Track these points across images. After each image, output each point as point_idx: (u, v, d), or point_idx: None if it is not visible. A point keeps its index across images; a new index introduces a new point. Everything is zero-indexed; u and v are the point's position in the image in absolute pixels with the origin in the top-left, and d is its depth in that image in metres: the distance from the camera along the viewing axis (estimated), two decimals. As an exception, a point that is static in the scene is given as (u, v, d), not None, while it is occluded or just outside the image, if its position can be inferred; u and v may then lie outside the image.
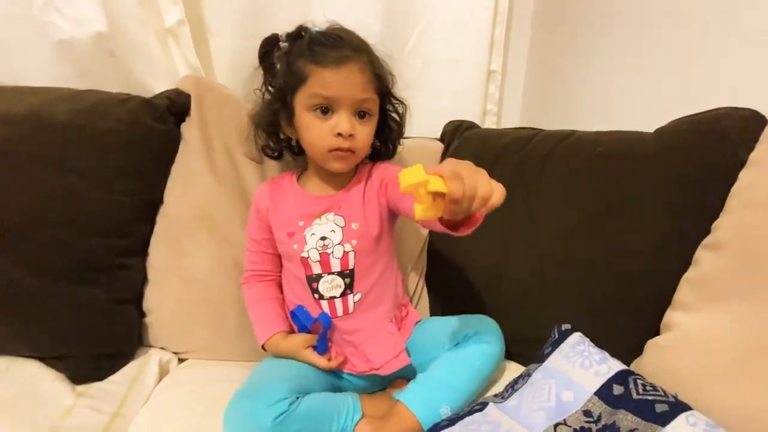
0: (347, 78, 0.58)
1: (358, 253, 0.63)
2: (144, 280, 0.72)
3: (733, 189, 0.54)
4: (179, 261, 0.71)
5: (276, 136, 0.68)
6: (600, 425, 0.42)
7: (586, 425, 0.43)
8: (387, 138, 0.70)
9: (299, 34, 0.62)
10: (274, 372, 0.58)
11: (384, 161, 0.71)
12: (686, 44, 0.74)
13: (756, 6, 0.63)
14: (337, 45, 0.59)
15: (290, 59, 0.61)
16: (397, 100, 0.68)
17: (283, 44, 0.64)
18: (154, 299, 0.72)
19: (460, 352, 0.60)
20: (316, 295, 0.63)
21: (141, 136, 0.71)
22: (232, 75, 0.92)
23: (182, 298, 0.71)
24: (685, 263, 0.59)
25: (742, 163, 0.57)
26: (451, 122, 0.96)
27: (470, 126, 0.94)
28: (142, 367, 0.67)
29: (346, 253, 0.62)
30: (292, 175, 0.70)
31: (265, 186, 0.69)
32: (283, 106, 0.62)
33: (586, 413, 0.44)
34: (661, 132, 0.68)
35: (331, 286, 0.62)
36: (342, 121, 0.59)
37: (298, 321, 0.61)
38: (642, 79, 0.83)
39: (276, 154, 0.71)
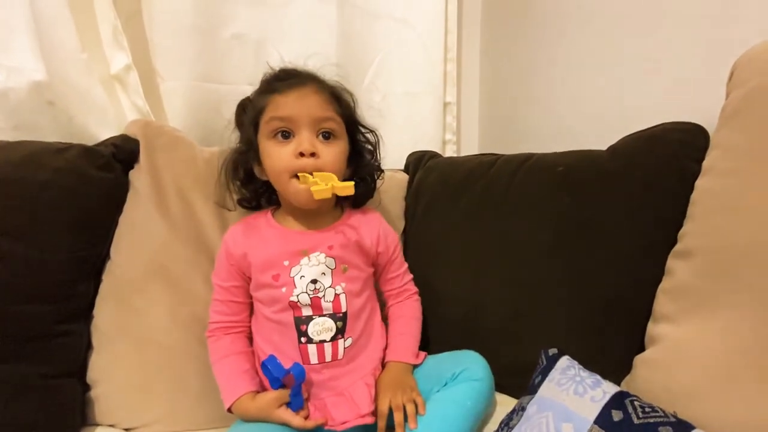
0: (302, 98, 0.58)
1: (348, 296, 0.60)
2: (88, 347, 0.64)
3: (693, 197, 0.56)
4: (130, 321, 0.64)
5: (251, 184, 0.66)
6: (606, 458, 0.39)
7: (592, 459, 0.40)
8: (363, 170, 0.67)
9: (262, 82, 0.64)
10: None
11: (373, 208, 0.72)
12: (628, 63, 0.79)
13: (685, 24, 0.68)
14: (291, 74, 0.61)
15: (250, 101, 0.63)
16: (366, 128, 0.67)
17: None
18: (100, 368, 0.63)
19: (451, 392, 0.56)
20: (303, 339, 0.58)
21: (82, 187, 0.64)
22: (185, 118, 0.89)
23: (134, 364, 0.63)
24: (658, 274, 0.59)
25: (693, 173, 0.59)
26: (413, 153, 0.98)
27: (433, 155, 0.96)
28: (86, 453, 0.58)
29: (337, 296, 0.60)
30: (266, 213, 0.66)
31: (237, 227, 0.65)
32: (250, 147, 0.62)
33: (590, 445, 0.41)
34: (614, 149, 0.71)
35: (323, 329, 0.58)
36: (302, 140, 0.57)
37: (269, 373, 0.55)
38: (588, 99, 0.88)
39: (254, 204, 0.68)
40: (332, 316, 0.59)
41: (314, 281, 0.59)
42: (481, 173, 0.80)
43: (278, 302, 0.59)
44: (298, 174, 0.57)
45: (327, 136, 0.60)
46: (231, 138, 0.68)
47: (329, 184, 0.54)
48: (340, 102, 0.62)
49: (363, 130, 0.67)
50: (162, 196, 0.69)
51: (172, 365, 0.64)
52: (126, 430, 0.63)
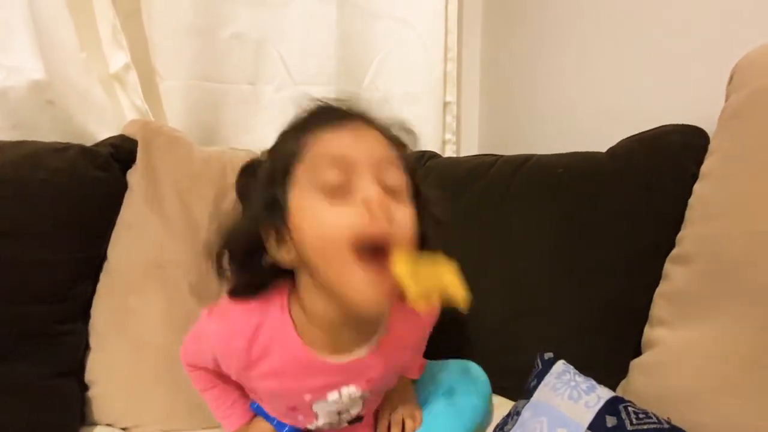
0: (358, 133, 0.39)
1: (368, 403, 0.49)
2: (87, 347, 0.64)
3: (691, 201, 0.56)
4: (126, 322, 0.64)
5: (257, 266, 0.42)
6: (599, 464, 0.39)
7: (585, 465, 0.40)
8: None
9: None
10: None
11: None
12: (628, 65, 0.79)
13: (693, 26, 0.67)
14: (332, 108, 0.42)
15: (272, 154, 0.42)
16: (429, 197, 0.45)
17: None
18: (97, 368, 0.63)
19: (448, 404, 0.55)
20: (312, 428, 0.50)
21: (80, 186, 0.64)
22: (184, 118, 0.90)
23: (131, 364, 0.63)
24: (657, 277, 0.59)
25: (692, 176, 0.59)
26: (413, 152, 0.97)
27: (432, 155, 0.96)
28: (85, 452, 0.58)
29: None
30: (283, 309, 0.43)
31: (231, 328, 0.43)
32: (270, 213, 0.39)
33: (583, 451, 0.41)
34: (613, 151, 0.70)
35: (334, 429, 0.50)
36: (366, 185, 0.37)
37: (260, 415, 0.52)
38: (588, 101, 0.88)
39: (257, 291, 0.43)
40: (349, 422, 0.50)
41: (340, 413, 0.47)
42: (481, 174, 0.80)
43: (290, 420, 0.49)
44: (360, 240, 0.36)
45: (393, 191, 0.39)
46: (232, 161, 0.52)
47: (438, 283, 0.34)
48: (405, 160, 0.42)
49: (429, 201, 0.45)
50: (159, 197, 0.69)
51: (168, 366, 0.63)
52: (123, 429, 0.63)
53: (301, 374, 0.43)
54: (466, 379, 0.57)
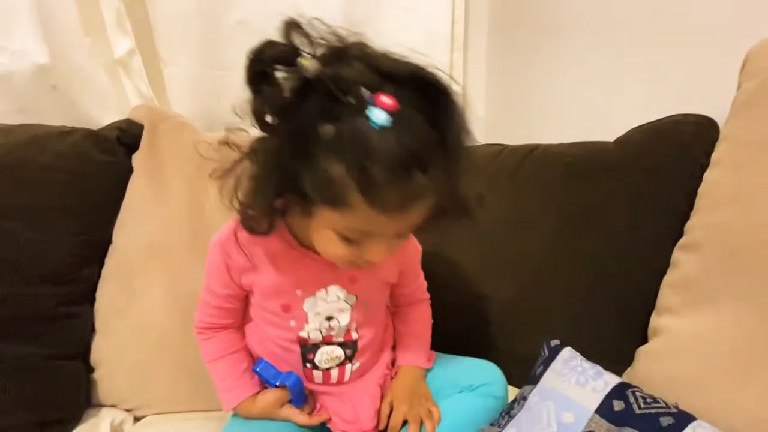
0: (405, 220, 0.39)
1: (361, 326, 0.54)
2: (92, 329, 0.64)
3: (701, 189, 0.55)
4: (130, 304, 0.64)
5: (270, 209, 0.43)
6: (607, 447, 0.39)
7: (592, 448, 0.40)
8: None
9: (341, 94, 0.34)
10: None
11: None
12: (637, 55, 0.78)
13: (705, 18, 0.66)
14: (408, 171, 0.35)
15: (317, 143, 0.35)
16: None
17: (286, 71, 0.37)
18: (103, 350, 0.64)
19: (465, 403, 0.54)
20: (309, 365, 0.53)
21: (86, 170, 0.65)
22: (189, 104, 0.89)
23: (135, 346, 0.63)
24: (664, 266, 0.59)
25: (701, 166, 0.59)
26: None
27: (438, 145, 0.95)
28: (91, 432, 0.59)
29: (349, 330, 0.53)
30: (280, 222, 0.47)
31: (241, 234, 0.47)
32: (293, 193, 0.40)
33: (590, 435, 0.41)
34: (621, 141, 0.70)
35: (330, 357, 0.53)
36: (377, 250, 0.41)
37: (264, 379, 0.53)
38: (597, 90, 0.87)
39: (267, 229, 0.45)
40: (342, 345, 0.53)
41: (329, 318, 0.51)
42: (487, 163, 0.79)
43: (284, 331, 0.52)
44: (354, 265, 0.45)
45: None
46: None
47: None
48: (452, 200, 0.43)
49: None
50: (163, 181, 0.69)
51: (172, 348, 0.64)
52: (128, 410, 0.64)
53: (293, 265, 0.48)
54: (483, 379, 0.55)
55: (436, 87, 0.37)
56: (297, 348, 0.53)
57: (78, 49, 0.79)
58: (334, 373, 0.55)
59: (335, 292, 0.51)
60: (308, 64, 0.36)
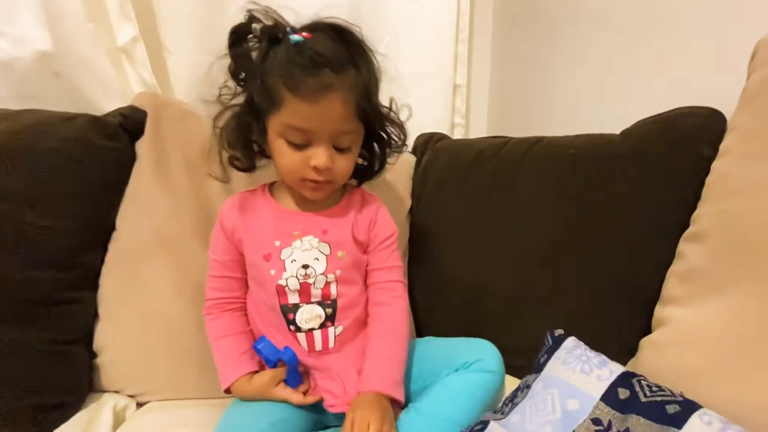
0: (327, 111, 0.51)
1: (340, 283, 0.57)
2: (95, 315, 0.64)
3: (709, 179, 0.55)
4: (134, 291, 0.64)
5: (247, 145, 0.59)
6: (612, 433, 0.39)
7: (597, 435, 0.40)
8: (374, 157, 0.64)
9: (276, 37, 0.52)
10: (247, 423, 0.51)
11: (376, 196, 0.65)
12: (643, 48, 0.77)
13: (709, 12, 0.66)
14: (319, 67, 0.49)
15: (264, 70, 0.52)
16: (388, 120, 0.60)
17: (258, 38, 0.54)
18: (106, 336, 0.64)
19: (461, 379, 0.54)
20: (292, 327, 0.56)
21: (88, 155, 0.64)
22: (192, 92, 0.88)
23: (138, 333, 0.63)
24: (668, 257, 0.58)
25: (707, 158, 0.59)
26: (422, 135, 0.96)
27: (441, 137, 0.95)
28: (93, 417, 0.59)
29: (328, 283, 0.56)
30: (264, 187, 0.62)
31: (233, 199, 0.61)
32: (255, 121, 0.55)
33: (595, 421, 0.41)
34: (627, 133, 0.69)
35: (311, 316, 0.56)
36: (319, 153, 0.52)
37: (263, 356, 0.54)
38: (603, 83, 0.86)
39: (248, 164, 0.60)
40: (321, 304, 0.56)
41: (305, 266, 0.55)
42: (491, 155, 0.79)
43: (266, 285, 0.56)
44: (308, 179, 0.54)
45: (342, 148, 0.55)
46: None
47: None
48: (368, 105, 0.54)
49: (386, 125, 0.60)
50: (167, 167, 0.69)
51: (176, 335, 0.64)
52: (131, 396, 0.64)
53: (274, 219, 0.58)
54: (478, 355, 0.56)
55: (348, 31, 0.53)
56: (277, 305, 0.56)
57: (81, 35, 0.79)
58: (318, 337, 0.56)
59: (309, 240, 0.57)
60: (258, 26, 0.53)
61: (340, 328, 0.57)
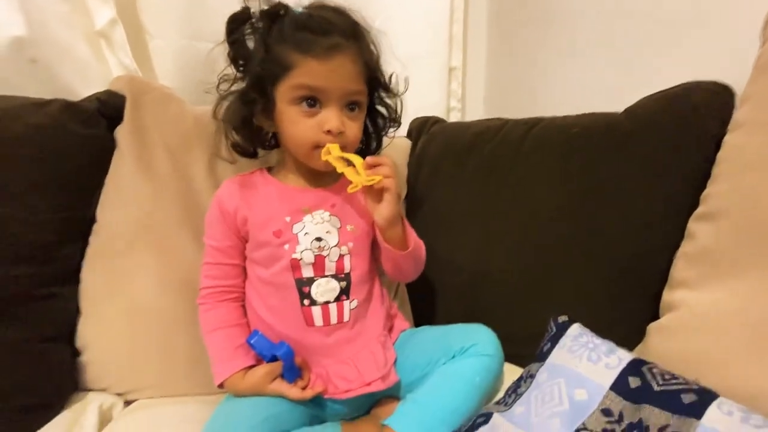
0: (337, 69, 0.52)
1: (353, 257, 0.58)
2: (77, 312, 0.61)
3: (720, 155, 0.52)
4: (117, 285, 0.61)
5: (250, 131, 0.59)
6: (624, 425, 0.37)
7: (609, 426, 0.37)
8: (373, 131, 0.65)
9: (277, 14, 0.54)
10: (239, 417, 0.49)
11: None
12: (645, 25, 0.74)
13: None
14: (327, 31, 0.52)
15: (268, 43, 0.53)
16: (388, 92, 0.62)
17: (255, 22, 0.55)
18: (89, 333, 0.61)
19: (458, 366, 0.53)
20: (306, 301, 0.55)
21: (63, 143, 0.60)
22: (176, 78, 0.84)
23: (123, 329, 0.61)
24: (675, 239, 0.56)
25: (714, 135, 0.56)
26: (417, 119, 0.94)
27: (437, 121, 0.92)
28: (78, 418, 0.56)
29: (341, 256, 0.57)
30: (262, 171, 0.62)
31: (232, 181, 0.60)
32: (261, 96, 0.54)
33: (606, 412, 0.38)
34: (631, 110, 0.67)
35: (326, 289, 0.56)
36: (331, 116, 0.53)
37: (257, 351, 0.53)
38: (603, 62, 0.83)
39: (251, 150, 0.61)
40: (335, 277, 0.56)
41: (319, 239, 0.56)
42: (489, 137, 0.76)
43: (279, 261, 0.55)
44: (325, 152, 0.54)
45: (353, 108, 0.56)
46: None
47: (360, 177, 0.52)
48: (371, 69, 0.57)
49: (383, 94, 0.62)
50: (149, 155, 0.66)
51: (163, 329, 0.61)
52: (119, 394, 0.61)
53: (280, 197, 0.58)
54: (473, 340, 0.55)
55: (347, 10, 0.55)
56: (292, 281, 0.55)
57: (56, 19, 0.75)
58: (333, 310, 0.56)
59: (320, 214, 0.57)
60: (257, 10, 0.55)
61: (355, 302, 0.57)
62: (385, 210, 0.54)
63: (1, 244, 0.55)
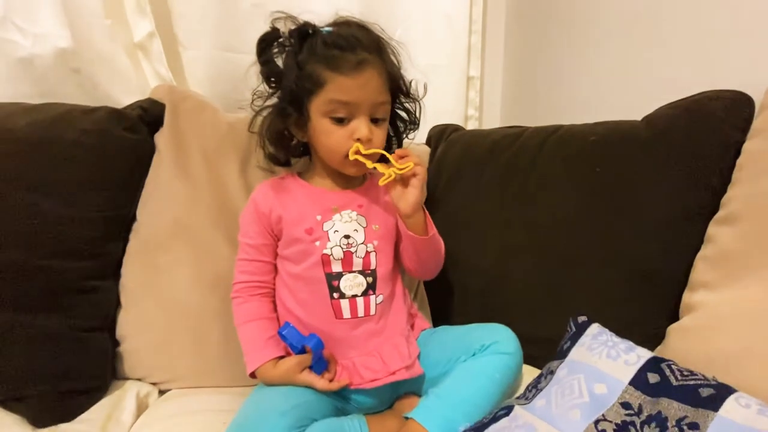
0: (366, 84, 0.57)
1: (379, 254, 0.61)
2: (117, 304, 0.65)
3: (740, 160, 0.53)
4: (155, 280, 0.65)
5: (287, 143, 0.64)
6: (643, 417, 0.38)
7: (628, 418, 0.38)
8: (394, 134, 0.69)
9: (306, 33, 0.58)
10: (269, 404, 0.52)
11: None
12: (661, 34, 0.75)
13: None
14: (354, 47, 0.56)
15: (300, 61, 0.57)
16: (409, 98, 0.66)
17: (284, 41, 0.60)
18: (128, 325, 0.65)
19: (479, 362, 0.55)
20: (336, 295, 0.58)
21: (109, 147, 0.65)
22: (207, 87, 0.89)
23: (160, 322, 0.64)
24: (694, 243, 0.57)
25: (735, 142, 0.57)
26: (435, 126, 0.96)
27: (456, 128, 0.94)
28: (117, 403, 0.59)
29: (368, 253, 0.60)
30: (293, 175, 0.66)
31: (266, 184, 0.64)
32: (296, 111, 0.59)
33: (625, 405, 0.40)
34: (650, 118, 0.68)
35: (354, 283, 0.59)
36: (361, 126, 0.58)
37: (288, 342, 0.55)
38: (621, 72, 0.84)
39: (285, 160, 0.66)
40: (362, 273, 0.59)
41: (347, 236, 0.60)
42: (508, 144, 0.77)
43: (310, 256, 0.59)
44: (353, 152, 0.58)
45: (377, 120, 0.60)
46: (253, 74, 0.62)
47: (391, 170, 0.57)
48: (394, 80, 0.61)
49: (404, 101, 0.66)
50: (185, 159, 0.70)
51: (196, 324, 0.64)
52: (153, 384, 0.65)
53: (311, 198, 0.62)
54: (493, 338, 0.57)
55: (369, 25, 0.60)
56: (322, 275, 0.58)
57: (98, 32, 0.80)
58: (361, 304, 0.59)
59: (348, 214, 0.61)
60: (286, 30, 0.60)
61: (381, 297, 0.60)
62: (411, 196, 0.57)
63: (51, 240, 0.59)
